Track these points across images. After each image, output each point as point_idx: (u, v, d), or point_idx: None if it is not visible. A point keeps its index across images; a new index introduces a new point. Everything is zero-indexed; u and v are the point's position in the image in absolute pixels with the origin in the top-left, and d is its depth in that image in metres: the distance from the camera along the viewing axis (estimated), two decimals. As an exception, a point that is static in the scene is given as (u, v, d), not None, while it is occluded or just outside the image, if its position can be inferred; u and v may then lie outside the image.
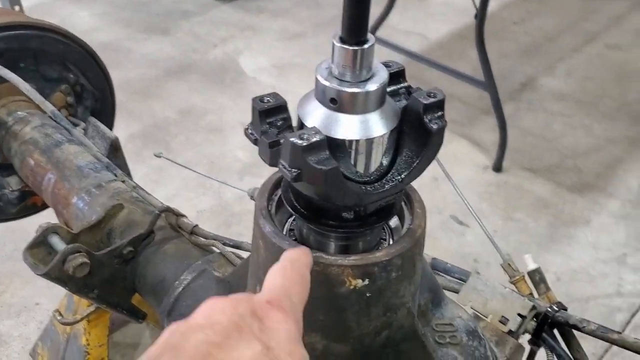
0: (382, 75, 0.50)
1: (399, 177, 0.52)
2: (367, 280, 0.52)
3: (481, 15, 2.21)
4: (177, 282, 0.93)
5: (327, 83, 0.49)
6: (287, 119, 0.51)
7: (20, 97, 1.31)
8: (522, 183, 2.41)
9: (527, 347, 0.82)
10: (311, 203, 0.53)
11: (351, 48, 0.47)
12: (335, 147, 0.49)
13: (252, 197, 1.14)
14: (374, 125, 0.49)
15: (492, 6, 3.01)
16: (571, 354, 0.81)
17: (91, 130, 1.22)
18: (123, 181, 1.10)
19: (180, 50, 3.19)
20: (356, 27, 0.46)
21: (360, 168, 0.51)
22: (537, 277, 0.85)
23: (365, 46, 0.47)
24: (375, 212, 0.53)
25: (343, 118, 0.49)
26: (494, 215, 2.28)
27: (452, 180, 0.93)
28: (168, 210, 0.99)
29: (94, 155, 1.16)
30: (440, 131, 0.51)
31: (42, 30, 1.29)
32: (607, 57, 3.20)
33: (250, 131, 0.51)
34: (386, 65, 0.54)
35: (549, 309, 0.81)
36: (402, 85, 0.54)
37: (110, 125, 1.49)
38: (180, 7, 3.57)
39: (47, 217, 1.17)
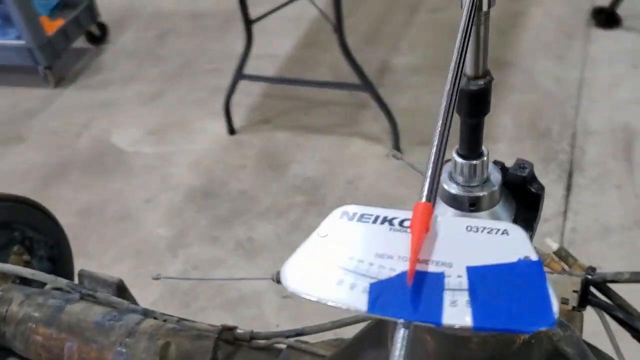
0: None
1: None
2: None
3: (338, 26, 2.37)
4: (267, 390, 0.97)
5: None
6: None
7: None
8: (424, 158, 2.63)
9: (582, 313, 0.97)
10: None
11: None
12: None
13: (275, 280, 1.18)
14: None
15: (313, 13, 3.21)
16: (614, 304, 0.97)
17: (87, 283, 1.19)
18: (154, 317, 1.10)
19: (45, 152, 3.04)
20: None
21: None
22: (563, 253, 1.00)
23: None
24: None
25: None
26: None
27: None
28: (225, 329, 1.02)
29: (106, 303, 1.14)
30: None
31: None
32: (435, 22, 3.53)
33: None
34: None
35: (586, 276, 0.96)
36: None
37: (72, 265, 1.45)
38: (22, 108, 3.37)
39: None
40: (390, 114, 2.60)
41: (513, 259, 0.37)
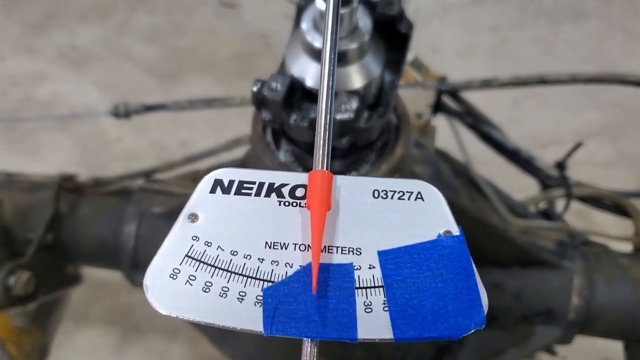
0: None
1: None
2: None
3: None
4: (123, 237, 0.92)
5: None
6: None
7: None
8: None
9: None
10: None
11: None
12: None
13: (114, 115, 1.05)
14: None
15: None
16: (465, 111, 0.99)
17: None
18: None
19: None
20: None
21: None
22: (418, 64, 0.97)
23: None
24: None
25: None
26: None
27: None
28: (65, 178, 0.91)
29: None
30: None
31: None
32: None
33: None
34: None
35: (438, 87, 0.96)
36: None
37: None
38: None
39: None
40: None
41: (432, 234, 0.30)
